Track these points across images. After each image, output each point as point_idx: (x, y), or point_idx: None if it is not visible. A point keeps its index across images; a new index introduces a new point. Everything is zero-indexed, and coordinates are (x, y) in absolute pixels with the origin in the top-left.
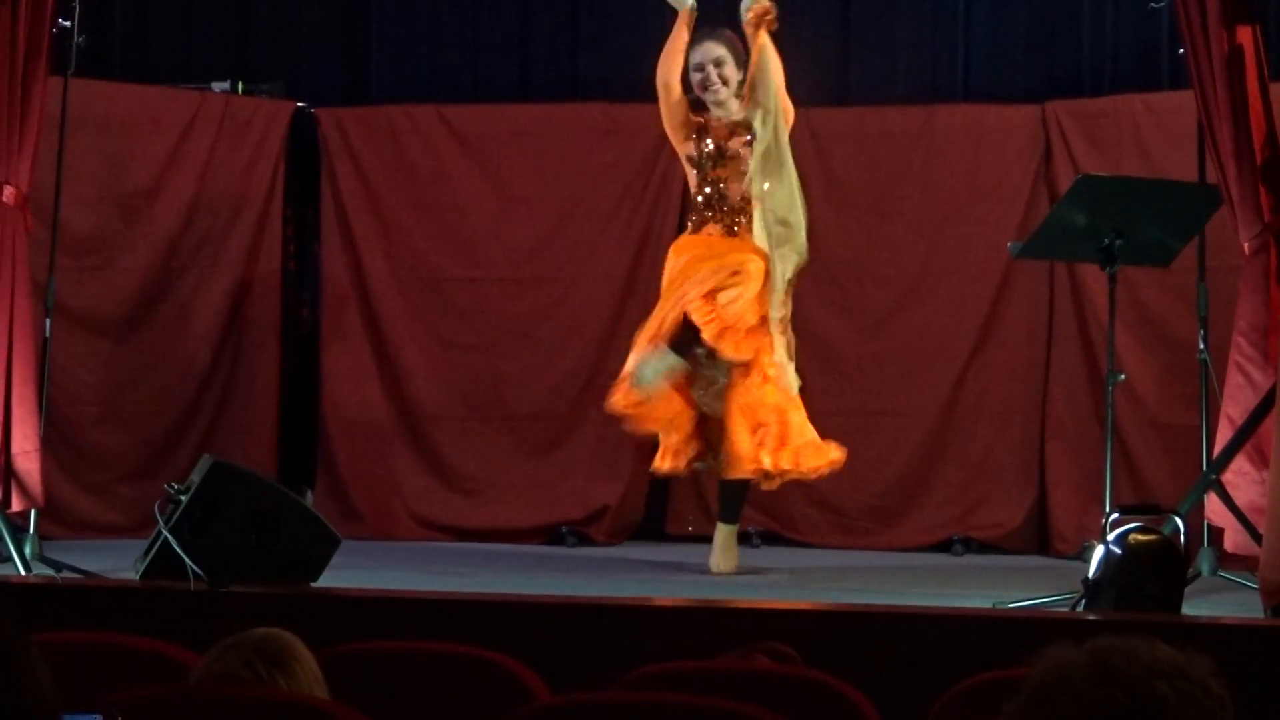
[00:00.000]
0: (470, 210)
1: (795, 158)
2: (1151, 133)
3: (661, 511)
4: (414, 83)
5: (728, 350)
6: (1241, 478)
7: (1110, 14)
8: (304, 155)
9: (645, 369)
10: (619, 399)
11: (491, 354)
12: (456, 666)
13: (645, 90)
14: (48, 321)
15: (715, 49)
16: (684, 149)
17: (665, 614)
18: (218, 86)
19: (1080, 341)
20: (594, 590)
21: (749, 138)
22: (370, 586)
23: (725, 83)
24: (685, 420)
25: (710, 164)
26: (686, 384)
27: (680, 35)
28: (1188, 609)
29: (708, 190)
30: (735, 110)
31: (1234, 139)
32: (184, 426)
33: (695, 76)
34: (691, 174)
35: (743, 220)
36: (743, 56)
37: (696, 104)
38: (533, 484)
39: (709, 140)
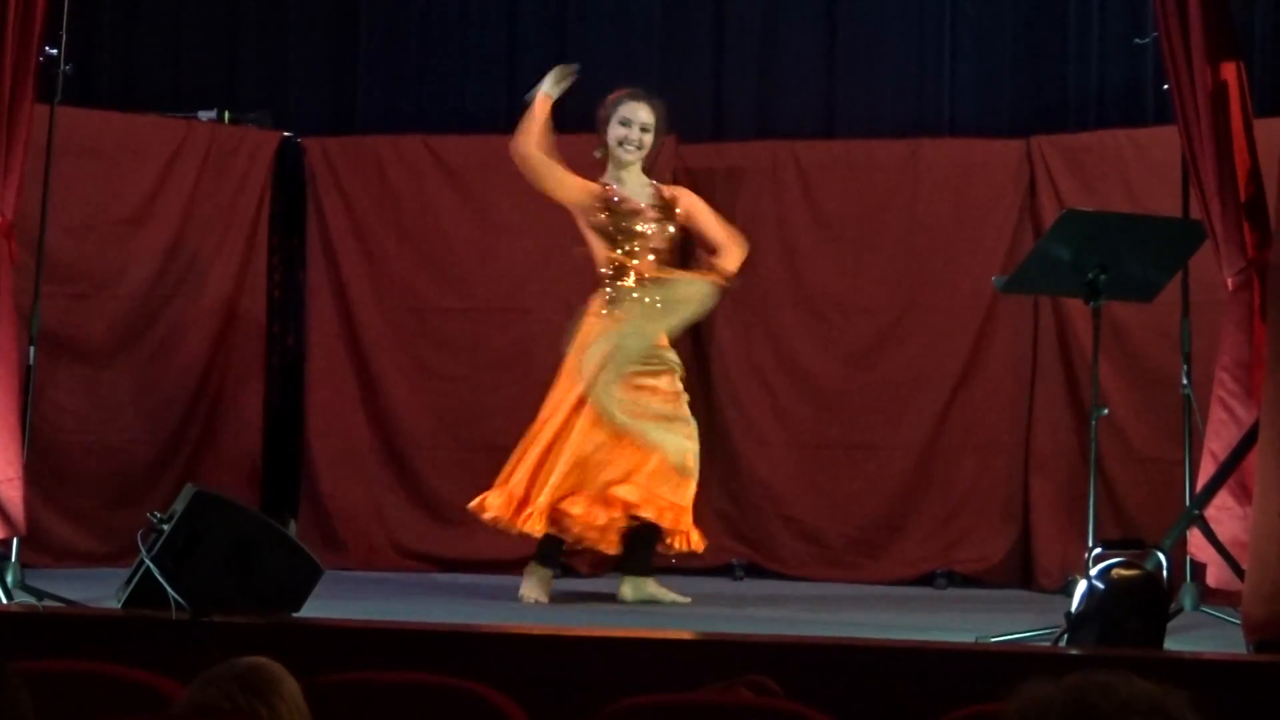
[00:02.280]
0: (456, 240)
1: (781, 189)
2: (1136, 168)
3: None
4: (400, 113)
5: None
6: (1224, 513)
7: (1095, 49)
8: (290, 184)
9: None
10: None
11: (476, 384)
12: (438, 698)
13: None
14: (32, 349)
15: (646, 113)
16: (592, 217)
17: (647, 646)
18: (204, 115)
19: (1064, 376)
20: (576, 621)
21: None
22: (353, 617)
23: (640, 147)
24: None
25: (623, 238)
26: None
27: (541, 118)
28: (1170, 644)
29: (616, 267)
30: (639, 181)
31: (1218, 175)
32: (167, 455)
33: (618, 130)
34: (598, 244)
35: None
36: (663, 132)
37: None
38: None
39: (622, 217)
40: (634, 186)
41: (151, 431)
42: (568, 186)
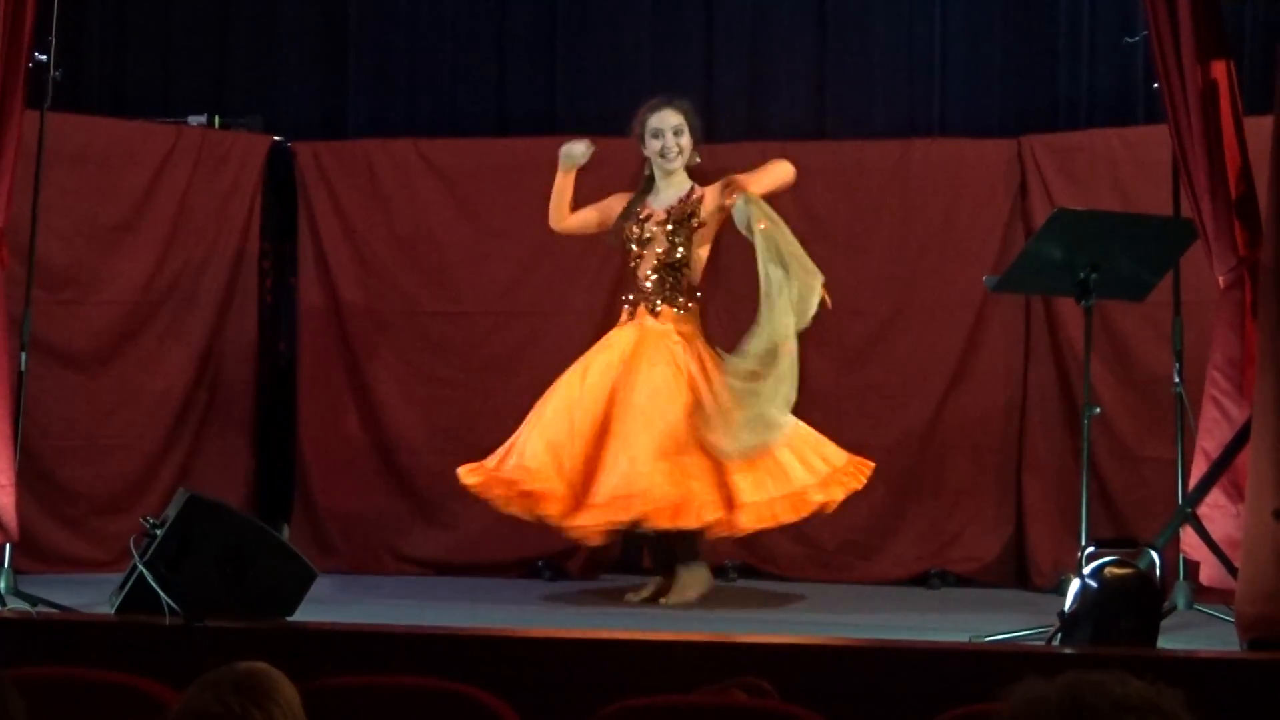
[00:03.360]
0: (447, 244)
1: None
2: (1127, 167)
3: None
4: (391, 117)
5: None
6: (1217, 511)
7: (1086, 49)
8: (281, 189)
9: None
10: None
11: (468, 388)
12: (433, 701)
13: (622, 124)
14: (23, 355)
15: (673, 117)
16: (619, 238)
17: (641, 648)
18: (195, 120)
19: (1056, 375)
20: (570, 624)
21: (670, 224)
22: (346, 621)
23: (680, 151)
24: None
25: (635, 247)
26: None
27: (567, 188)
28: (1163, 643)
29: (629, 272)
30: (679, 184)
31: (1209, 173)
32: (160, 460)
33: (654, 144)
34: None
35: (652, 303)
36: (697, 126)
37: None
38: (509, 518)
39: (636, 227)
40: (666, 194)
41: (144, 437)
42: (600, 221)
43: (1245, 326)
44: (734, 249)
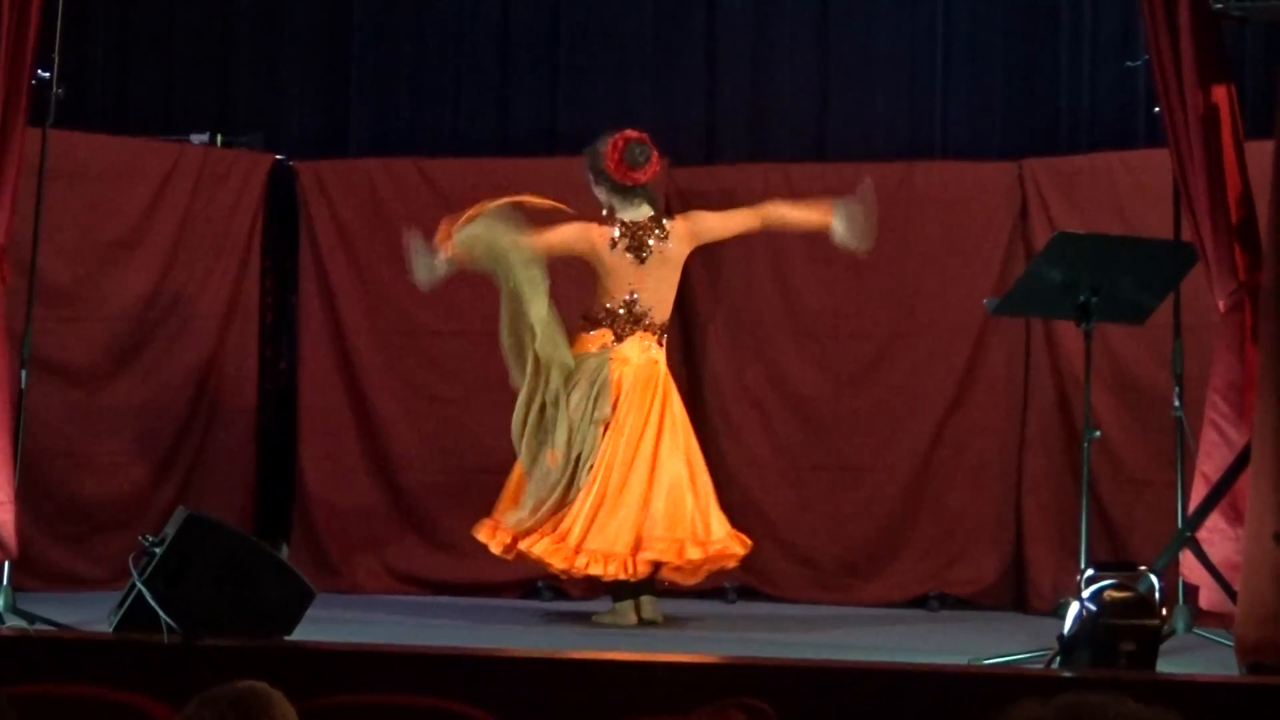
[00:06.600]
0: None
1: None
2: (1128, 190)
3: None
4: (393, 136)
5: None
6: (1217, 535)
7: (1087, 72)
8: (283, 207)
9: None
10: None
11: (468, 407)
12: None
13: None
14: (24, 372)
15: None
16: None
17: (639, 668)
18: (197, 138)
19: (1056, 398)
20: (569, 645)
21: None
22: (345, 640)
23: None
24: None
25: None
26: None
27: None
28: (1163, 666)
29: None
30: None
31: (1209, 197)
32: (159, 478)
33: None
34: None
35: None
36: (592, 173)
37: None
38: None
39: None
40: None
41: (143, 455)
42: None
43: (1245, 350)
44: (734, 267)
